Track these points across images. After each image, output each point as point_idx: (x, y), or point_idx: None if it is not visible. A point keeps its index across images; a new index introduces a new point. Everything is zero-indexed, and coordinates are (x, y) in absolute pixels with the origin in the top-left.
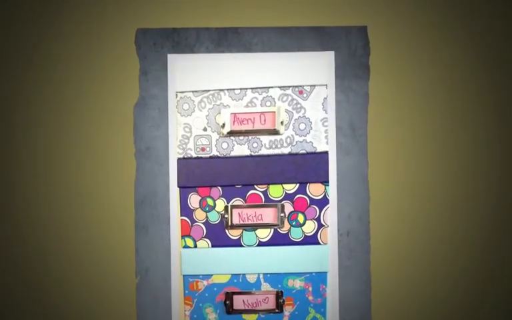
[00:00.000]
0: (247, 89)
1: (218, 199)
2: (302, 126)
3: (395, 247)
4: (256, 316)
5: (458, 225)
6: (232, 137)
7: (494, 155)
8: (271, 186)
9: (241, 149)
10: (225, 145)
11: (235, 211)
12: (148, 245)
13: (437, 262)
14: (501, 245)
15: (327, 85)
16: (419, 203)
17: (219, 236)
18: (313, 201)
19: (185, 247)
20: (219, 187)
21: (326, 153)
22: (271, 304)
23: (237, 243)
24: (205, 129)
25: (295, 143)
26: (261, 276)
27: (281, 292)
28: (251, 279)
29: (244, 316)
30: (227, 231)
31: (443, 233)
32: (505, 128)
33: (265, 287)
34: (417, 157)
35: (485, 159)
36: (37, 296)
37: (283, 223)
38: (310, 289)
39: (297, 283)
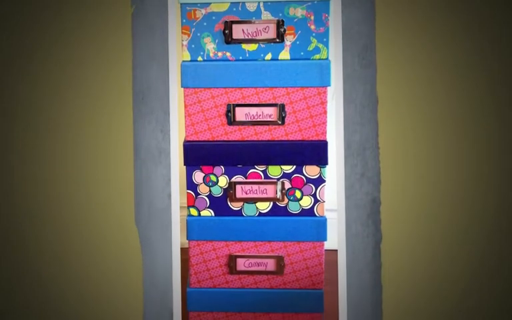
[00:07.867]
0: None
1: None
2: None
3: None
4: (256, 46)
5: None
6: None
7: None
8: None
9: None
10: None
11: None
12: None
13: None
14: None
15: None
16: None
17: None
18: None
19: None
20: None
21: None
22: (271, 33)
23: None
24: None
25: None
26: (261, 4)
27: (282, 21)
28: (251, 7)
29: (243, 46)
30: None
31: None
32: None
33: (266, 15)
34: None
35: None
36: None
37: None
38: (312, 17)
39: (299, 12)
